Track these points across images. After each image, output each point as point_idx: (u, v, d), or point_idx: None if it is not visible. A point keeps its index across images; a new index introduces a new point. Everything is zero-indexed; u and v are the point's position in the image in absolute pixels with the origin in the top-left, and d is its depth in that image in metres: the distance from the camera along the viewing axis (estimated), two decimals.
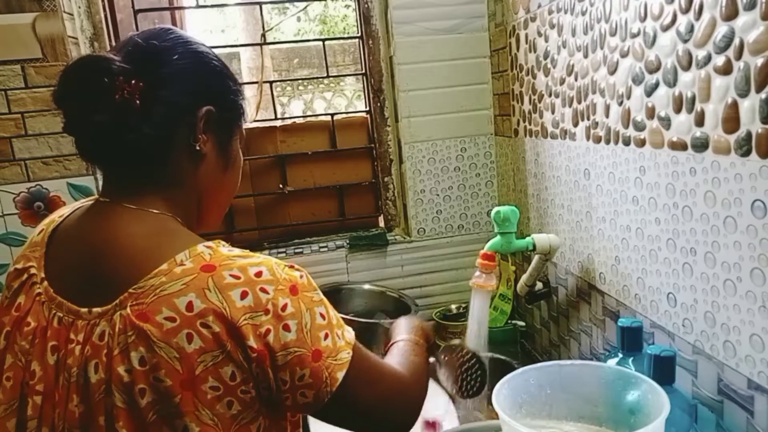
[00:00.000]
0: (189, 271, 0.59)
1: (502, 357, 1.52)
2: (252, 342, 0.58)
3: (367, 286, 1.66)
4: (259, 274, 0.61)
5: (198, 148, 0.68)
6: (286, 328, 0.60)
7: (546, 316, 1.44)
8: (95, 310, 0.60)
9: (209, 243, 0.64)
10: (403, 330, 0.92)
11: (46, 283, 0.64)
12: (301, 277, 0.65)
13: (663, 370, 0.77)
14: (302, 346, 0.61)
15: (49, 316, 0.62)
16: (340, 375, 0.63)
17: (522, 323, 1.59)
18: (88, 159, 0.70)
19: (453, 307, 1.70)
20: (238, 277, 0.60)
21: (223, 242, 0.65)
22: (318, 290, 0.67)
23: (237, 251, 0.64)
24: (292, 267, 0.66)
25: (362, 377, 0.67)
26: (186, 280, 0.58)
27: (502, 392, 0.73)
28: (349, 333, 0.68)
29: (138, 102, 0.62)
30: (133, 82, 0.62)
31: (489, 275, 1.19)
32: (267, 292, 0.60)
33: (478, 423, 0.98)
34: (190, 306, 0.57)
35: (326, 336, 0.63)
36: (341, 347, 0.65)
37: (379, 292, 1.65)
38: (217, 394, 0.58)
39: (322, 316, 0.64)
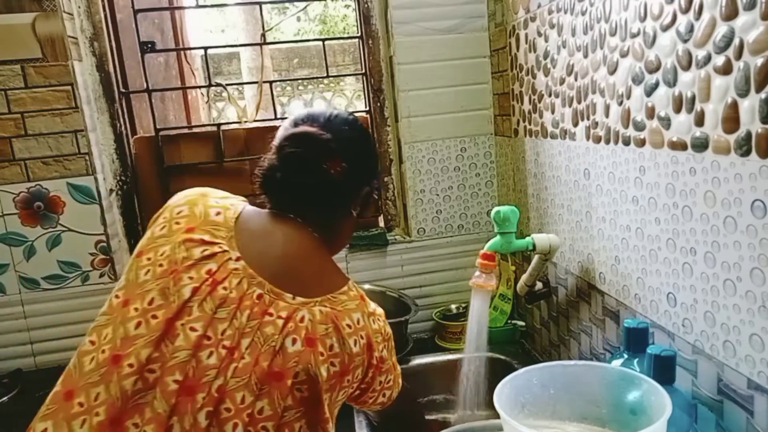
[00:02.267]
0: (356, 297, 0.84)
1: (502, 357, 1.52)
2: (376, 353, 0.82)
3: (367, 286, 1.65)
4: (374, 311, 0.86)
5: (353, 213, 0.96)
6: (385, 346, 0.85)
7: (546, 316, 1.44)
8: (299, 298, 0.78)
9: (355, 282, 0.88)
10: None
11: (243, 262, 0.78)
12: (383, 313, 0.89)
13: (663, 370, 0.77)
14: (391, 360, 0.88)
15: (247, 289, 0.76)
16: (401, 381, 0.92)
17: (522, 323, 1.59)
18: (270, 195, 0.90)
19: (453, 307, 1.70)
20: (371, 312, 0.85)
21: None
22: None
23: (362, 290, 0.89)
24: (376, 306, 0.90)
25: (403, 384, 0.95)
26: (356, 303, 0.83)
27: (503, 392, 0.73)
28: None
29: (337, 177, 0.87)
30: (338, 161, 0.87)
31: (489, 275, 1.19)
32: (380, 321, 0.85)
33: (478, 423, 0.98)
34: (358, 321, 0.81)
35: (394, 354, 0.90)
36: (394, 362, 0.90)
37: (379, 292, 1.65)
38: (347, 384, 0.80)
39: (392, 340, 0.89)
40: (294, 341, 0.74)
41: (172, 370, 0.69)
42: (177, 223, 0.82)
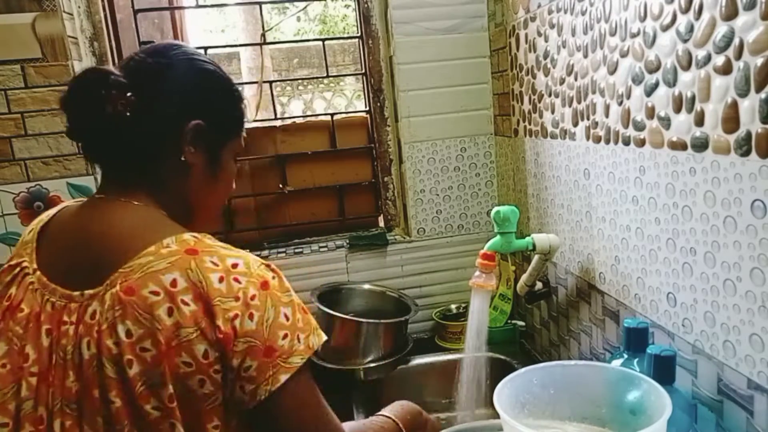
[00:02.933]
0: (174, 252, 0.64)
1: (502, 357, 1.52)
2: (220, 323, 0.61)
3: (366, 286, 1.66)
4: (235, 266, 0.65)
5: (183, 158, 0.73)
6: (251, 317, 0.63)
7: (546, 316, 1.44)
8: (87, 291, 0.64)
9: (195, 233, 0.68)
10: (400, 411, 0.94)
11: (38, 272, 0.69)
12: (273, 277, 0.68)
13: (663, 369, 0.77)
14: (258, 338, 0.63)
15: (42, 302, 0.66)
16: (284, 378, 0.64)
17: (522, 323, 1.59)
18: (88, 159, 0.75)
19: (453, 307, 1.70)
20: (216, 264, 0.64)
21: (209, 236, 0.69)
22: (290, 293, 0.68)
23: (220, 243, 0.68)
24: (268, 266, 0.69)
25: (302, 395, 0.67)
26: (171, 260, 0.63)
27: (503, 392, 0.73)
28: (315, 339, 0.68)
29: (128, 114, 0.68)
30: (127, 95, 0.69)
31: (489, 275, 1.19)
32: (239, 282, 0.64)
33: (478, 423, 0.98)
34: (174, 283, 0.62)
35: (284, 336, 0.65)
36: (297, 351, 0.65)
37: (379, 292, 1.65)
38: (192, 369, 0.61)
39: (286, 316, 0.66)
40: (88, 344, 0.62)
41: (1, 412, 0.64)
42: None
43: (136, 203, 0.71)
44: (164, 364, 0.60)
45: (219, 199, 0.84)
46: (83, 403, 0.62)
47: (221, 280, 0.63)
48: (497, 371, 1.33)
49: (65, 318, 0.64)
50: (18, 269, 0.71)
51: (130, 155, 0.72)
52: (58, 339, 0.64)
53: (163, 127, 0.72)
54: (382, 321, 1.46)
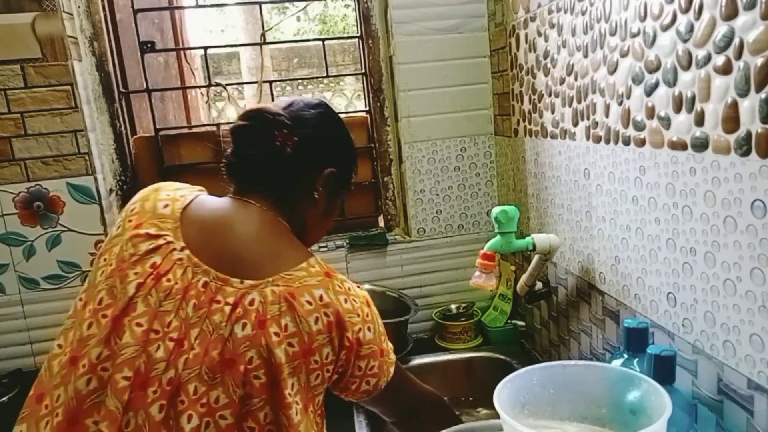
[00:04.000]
0: (319, 273, 0.79)
1: (502, 357, 1.52)
2: (349, 334, 0.77)
3: (366, 286, 1.65)
4: (350, 289, 0.81)
5: (315, 195, 0.90)
6: (369, 329, 0.81)
7: (546, 316, 1.44)
8: (247, 281, 0.75)
9: (320, 258, 0.84)
10: None
11: (187, 251, 0.77)
12: (367, 295, 0.85)
13: (663, 369, 0.77)
14: (376, 344, 0.82)
15: (192, 279, 0.75)
16: (392, 370, 0.87)
17: (522, 323, 1.59)
18: (231, 179, 0.89)
19: (453, 307, 1.70)
20: (341, 287, 0.80)
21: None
22: (373, 306, 0.85)
23: (335, 270, 0.84)
24: (359, 286, 0.85)
25: (399, 377, 0.90)
26: (319, 279, 0.78)
27: (503, 392, 0.73)
28: (389, 343, 0.87)
29: (289, 150, 0.85)
30: (293, 137, 0.85)
31: (489, 275, 1.20)
32: (356, 302, 0.80)
33: (478, 423, 0.98)
34: (321, 297, 0.77)
35: (384, 339, 0.85)
36: (391, 350, 0.87)
37: (379, 292, 1.65)
38: (316, 366, 0.76)
39: (380, 324, 0.84)
40: (244, 326, 0.72)
41: (121, 366, 0.70)
42: (129, 221, 0.82)
43: (271, 213, 0.84)
44: (299, 360, 0.74)
45: (322, 231, 0.99)
46: (225, 374, 0.71)
47: (345, 300, 0.79)
48: (497, 371, 1.34)
49: (219, 298, 0.74)
50: (162, 241, 0.78)
51: (279, 182, 0.86)
52: (208, 314, 0.73)
53: (308, 166, 0.88)
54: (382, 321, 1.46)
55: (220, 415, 0.70)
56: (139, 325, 0.72)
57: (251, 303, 0.74)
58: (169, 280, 0.75)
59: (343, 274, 0.83)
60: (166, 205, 0.83)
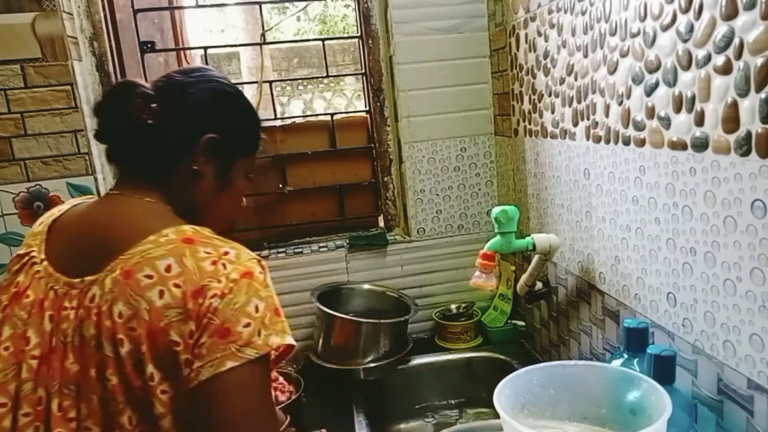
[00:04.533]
0: (172, 240, 0.69)
1: (502, 357, 1.52)
2: (201, 300, 0.65)
3: (366, 286, 1.66)
4: (226, 253, 0.69)
5: (195, 167, 0.79)
6: (222, 296, 0.66)
7: (546, 316, 1.44)
8: (88, 278, 0.69)
9: (197, 226, 0.73)
10: None
11: (45, 262, 0.74)
12: (260, 272, 0.71)
13: (663, 369, 0.77)
14: (218, 317, 0.65)
15: (46, 290, 0.71)
16: (230, 364, 0.64)
17: (522, 323, 1.59)
18: (109, 161, 0.82)
19: (453, 307, 1.70)
20: (209, 253, 0.69)
21: (210, 230, 0.74)
22: (271, 290, 0.71)
23: (219, 237, 0.73)
24: (258, 261, 0.72)
25: (244, 388, 0.66)
26: (168, 247, 0.68)
27: (504, 392, 0.73)
28: (276, 339, 0.68)
29: (150, 122, 0.76)
30: (152, 105, 0.76)
31: (489, 275, 1.20)
32: (226, 268, 0.68)
33: (478, 423, 0.98)
34: (168, 268, 0.66)
35: (246, 324, 0.66)
36: (254, 344, 0.66)
37: (379, 292, 1.65)
38: (178, 348, 0.64)
39: (256, 308, 0.67)
40: (88, 327, 0.67)
41: (1, 392, 0.69)
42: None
43: (147, 200, 0.77)
44: (147, 343, 0.64)
45: (224, 210, 0.87)
46: (81, 383, 0.67)
47: (213, 263, 0.67)
48: (497, 371, 1.34)
49: (66, 304, 0.69)
50: (26, 258, 0.76)
51: (149, 159, 0.78)
52: (58, 324, 0.69)
53: (180, 136, 0.79)
54: (382, 321, 1.46)
55: (85, 427, 0.67)
56: (6, 348, 0.70)
57: (91, 299, 0.68)
58: (27, 296, 0.72)
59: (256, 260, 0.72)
60: (41, 222, 0.81)
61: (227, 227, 0.88)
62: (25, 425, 0.67)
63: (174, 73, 0.82)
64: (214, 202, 0.84)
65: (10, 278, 0.75)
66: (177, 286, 0.65)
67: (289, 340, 0.70)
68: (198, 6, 1.81)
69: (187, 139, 0.79)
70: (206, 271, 0.66)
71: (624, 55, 0.94)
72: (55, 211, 0.82)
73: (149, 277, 0.66)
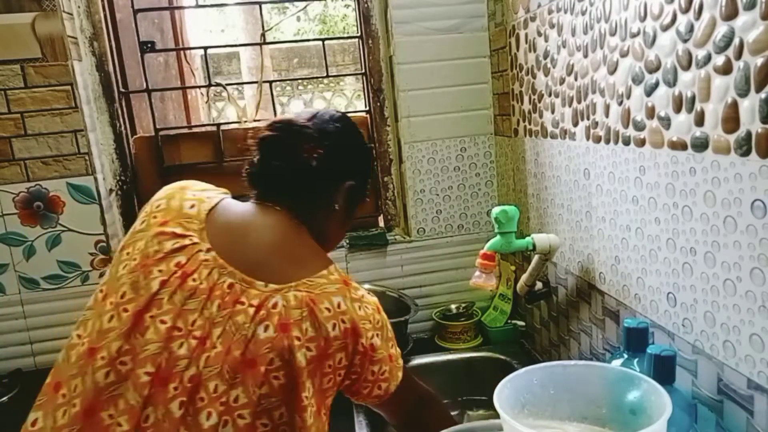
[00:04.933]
0: (338, 281, 0.82)
1: (502, 357, 1.52)
2: (363, 340, 0.80)
3: (366, 286, 1.65)
4: (363, 297, 0.84)
5: (335, 207, 0.93)
6: (379, 335, 0.83)
7: (546, 316, 1.44)
8: (271, 285, 0.78)
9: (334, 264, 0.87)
10: None
11: (213, 252, 0.79)
12: (378, 302, 0.88)
13: (663, 369, 0.77)
14: (386, 350, 0.85)
15: (218, 280, 0.77)
16: (401, 374, 0.89)
17: (522, 323, 1.59)
18: (253, 186, 0.91)
19: (453, 307, 1.70)
20: (355, 295, 0.83)
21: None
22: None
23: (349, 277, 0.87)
24: (370, 293, 0.87)
25: (408, 381, 0.93)
26: (337, 287, 0.81)
27: (503, 392, 0.73)
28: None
29: (314, 162, 0.87)
30: (315, 147, 0.88)
31: (489, 275, 1.20)
32: (368, 309, 0.83)
33: (478, 423, 0.98)
34: (339, 305, 0.80)
35: (392, 345, 0.88)
36: (399, 355, 0.90)
37: (379, 292, 1.65)
38: (329, 370, 0.79)
39: (390, 330, 0.88)
40: (266, 328, 0.74)
41: (144, 362, 0.71)
42: (154, 217, 0.84)
43: (293, 220, 0.87)
44: (315, 364, 0.76)
45: (342, 236, 1.04)
46: (246, 374, 0.73)
47: (360, 308, 0.82)
48: (497, 371, 1.34)
49: (243, 299, 0.76)
50: (188, 241, 0.80)
51: (300, 192, 0.88)
52: (232, 315, 0.75)
53: (330, 178, 0.91)
54: None
55: (239, 414, 0.72)
56: (163, 322, 0.73)
57: (274, 306, 0.76)
58: (194, 280, 0.76)
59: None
60: (193, 206, 0.85)
61: (336, 246, 1.06)
62: (172, 397, 0.70)
63: (328, 118, 0.93)
64: (338, 231, 0.99)
65: (167, 253, 0.78)
66: (343, 321, 0.79)
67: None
68: (198, 6, 1.81)
69: (334, 182, 0.92)
70: (358, 313, 0.81)
71: (624, 55, 0.94)
72: (205, 197, 0.86)
73: (328, 309, 0.78)
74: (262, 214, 0.87)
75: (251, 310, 0.75)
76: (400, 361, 0.90)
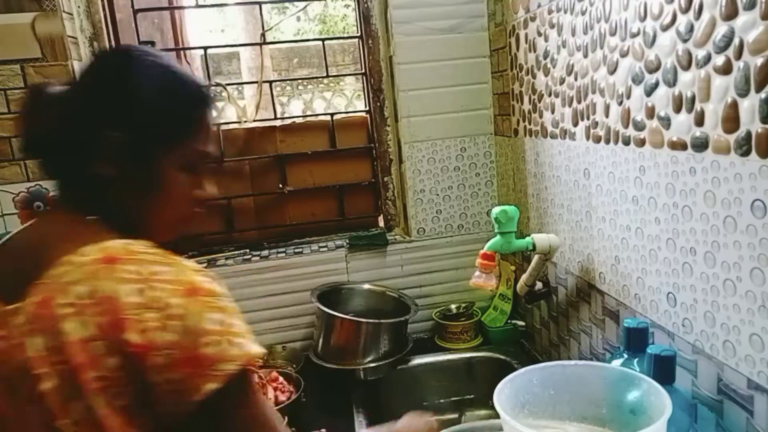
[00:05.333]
0: (91, 262, 0.59)
1: (502, 357, 1.52)
2: (132, 336, 0.56)
3: (367, 286, 1.66)
4: (159, 273, 0.60)
5: (99, 173, 0.68)
6: (171, 328, 0.57)
7: (546, 316, 1.44)
8: (12, 306, 0.60)
9: (130, 240, 0.63)
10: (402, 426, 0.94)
11: None
12: (205, 282, 0.62)
13: (663, 369, 0.77)
14: (178, 348, 0.57)
15: None
16: (211, 386, 0.58)
17: (522, 323, 1.59)
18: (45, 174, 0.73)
19: (453, 307, 1.70)
20: (137, 273, 0.59)
21: (149, 243, 0.63)
22: (224, 298, 0.62)
23: (153, 251, 0.62)
24: (200, 271, 0.63)
25: (236, 406, 0.62)
26: (86, 270, 0.59)
27: (504, 392, 0.73)
28: (255, 348, 0.62)
29: (56, 125, 0.68)
30: (54, 110, 0.68)
31: (489, 275, 1.20)
32: (160, 291, 0.58)
33: (478, 423, 0.98)
34: (84, 295, 0.57)
35: (212, 343, 0.59)
36: (229, 356, 0.59)
37: (379, 292, 1.65)
38: (104, 384, 0.57)
39: (214, 321, 0.60)
40: (16, 354, 0.58)
41: None
42: None
43: (76, 216, 0.68)
44: (77, 381, 0.56)
45: (168, 217, 0.75)
46: (4, 421, 0.59)
47: (140, 290, 0.58)
48: (497, 371, 1.34)
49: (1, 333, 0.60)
50: None
51: (61, 170, 0.71)
52: None
53: (79, 133, 0.68)
54: (382, 321, 1.46)
55: None
56: None
57: (11, 331, 0.59)
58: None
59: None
60: None
61: (177, 225, 0.77)
62: None
63: (95, 58, 0.74)
64: (150, 209, 0.73)
65: None
66: (97, 314, 0.57)
67: (260, 348, 0.63)
68: (198, 6, 1.81)
69: (85, 142, 0.68)
70: (129, 299, 0.57)
71: (624, 55, 0.94)
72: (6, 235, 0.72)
73: (68, 305, 0.57)
74: (34, 223, 0.73)
75: (2, 344, 0.60)
76: (225, 368, 0.60)
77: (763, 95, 0.65)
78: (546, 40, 1.25)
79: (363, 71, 1.71)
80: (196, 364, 0.58)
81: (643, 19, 0.87)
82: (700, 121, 0.77)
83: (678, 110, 0.81)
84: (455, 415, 1.53)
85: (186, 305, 0.59)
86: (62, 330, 0.56)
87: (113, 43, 1.58)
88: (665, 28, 0.82)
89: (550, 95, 1.26)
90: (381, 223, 1.79)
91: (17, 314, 0.59)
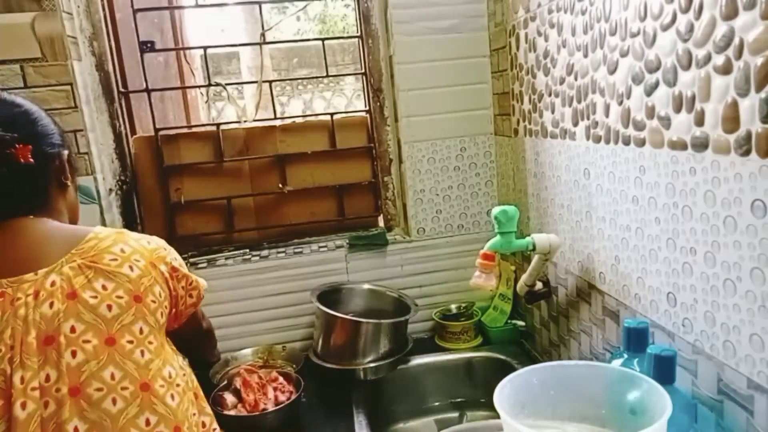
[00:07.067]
0: (109, 234, 0.87)
1: (502, 357, 1.52)
2: (163, 266, 0.89)
3: (366, 286, 1.66)
4: (142, 237, 0.91)
5: (67, 182, 0.94)
6: (175, 257, 0.94)
7: (546, 316, 1.44)
8: (41, 271, 0.80)
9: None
10: None
11: None
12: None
13: (663, 369, 0.77)
14: (184, 267, 0.95)
15: None
16: (201, 280, 0.99)
17: (522, 323, 1.59)
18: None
19: (453, 307, 1.70)
20: (136, 236, 0.90)
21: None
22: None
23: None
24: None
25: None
26: (112, 237, 0.87)
27: (503, 392, 0.73)
28: (202, 281, 1.00)
29: (31, 160, 0.85)
30: (18, 146, 0.83)
31: (489, 275, 1.19)
32: (155, 242, 0.92)
33: (478, 423, 0.98)
34: (122, 250, 0.85)
35: (183, 266, 0.96)
36: (200, 285, 0.99)
37: (379, 292, 1.65)
38: (155, 305, 0.86)
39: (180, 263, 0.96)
40: (51, 304, 0.77)
41: None
42: None
43: (35, 218, 0.87)
44: (134, 306, 0.82)
45: (77, 198, 1.01)
46: (46, 352, 0.76)
47: (148, 242, 0.90)
48: (497, 371, 1.34)
49: (19, 295, 0.78)
50: None
51: (27, 194, 0.88)
52: (14, 313, 0.76)
53: (48, 161, 0.90)
54: (382, 321, 1.46)
55: (56, 389, 0.75)
56: None
57: (52, 284, 0.79)
58: None
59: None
60: None
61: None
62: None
63: (10, 105, 0.88)
64: (76, 201, 0.99)
65: None
66: (137, 260, 0.85)
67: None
68: (198, 6, 1.80)
69: (52, 162, 0.90)
70: (147, 248, 0.88)
71: (624, 54, 0.94)
72: None
73: (114, 259, 0.83)
74: (9, 226, 0.85)
75: (30, 299, 0.77)
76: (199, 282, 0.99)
77: (763, 95, 0.65)
78: (546, 40, 1.25)
79: (363, 71, 1.71)
80: (191, 275, 0.96)
81: (643, 18, 0.87)
82: (700, 120, 0.77)
83: (678, 110, 0.81)
84: (455, 415, 1.53)
85: (166, 248, 0.94)
86: (121, 273, 0.83)
87: (113, 42, 1.58)
88: (665, 28, 0.82)
89: (550, 95, 1.26)
90: (381, 223, 1.79)
91: (50, 274, 0.79)
